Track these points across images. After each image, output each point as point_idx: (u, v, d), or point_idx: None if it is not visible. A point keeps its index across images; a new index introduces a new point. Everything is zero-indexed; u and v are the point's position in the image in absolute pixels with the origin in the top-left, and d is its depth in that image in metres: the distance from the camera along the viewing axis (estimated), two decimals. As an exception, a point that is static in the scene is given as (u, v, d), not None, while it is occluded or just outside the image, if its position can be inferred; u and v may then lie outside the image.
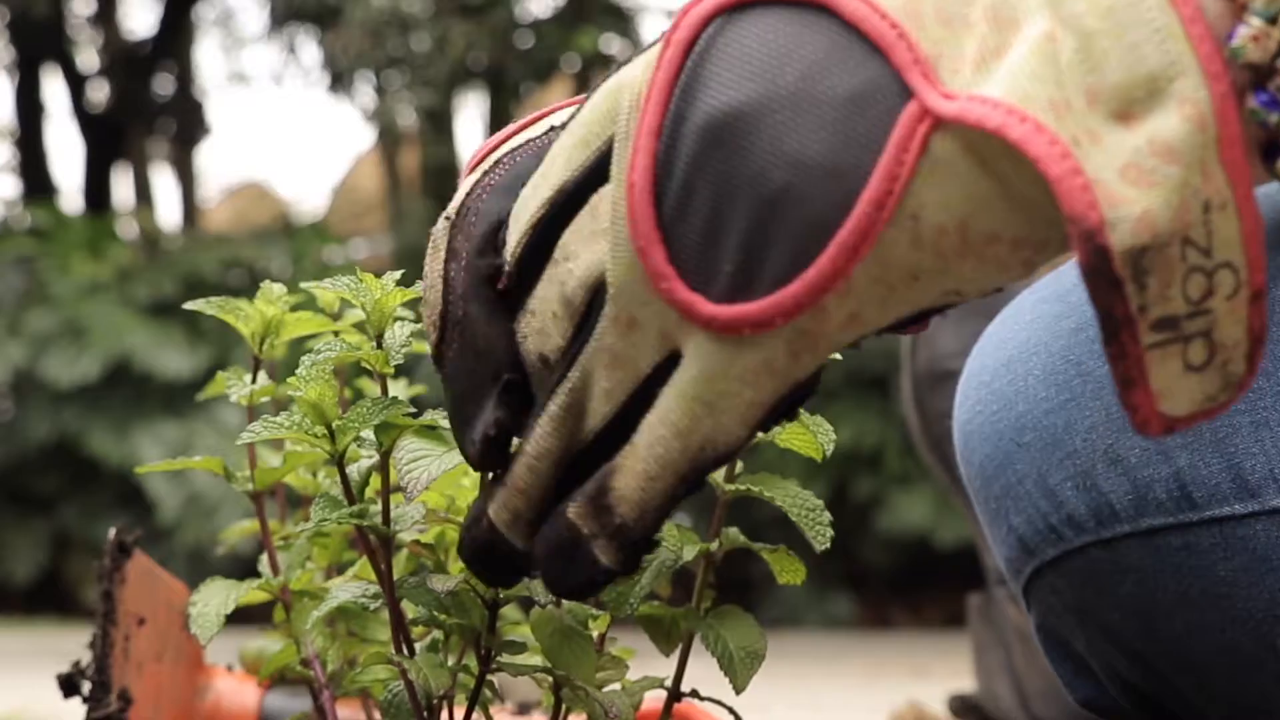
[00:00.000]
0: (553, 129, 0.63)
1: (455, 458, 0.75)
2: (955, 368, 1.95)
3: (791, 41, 0.54)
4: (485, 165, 0.63)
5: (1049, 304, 0.79)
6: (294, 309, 0.93)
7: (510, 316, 0.60)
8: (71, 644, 1.04)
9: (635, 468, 0.58)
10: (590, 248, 0.58)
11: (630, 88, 0.57)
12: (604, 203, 0.57)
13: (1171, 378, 0.52)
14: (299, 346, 0.91)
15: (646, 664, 0.87)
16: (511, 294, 0.60)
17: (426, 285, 0.62)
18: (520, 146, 0.63)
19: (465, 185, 0.63)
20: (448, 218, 0.62)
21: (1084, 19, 0.50)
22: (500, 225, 0.61)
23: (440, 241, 0.62)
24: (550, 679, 0.81)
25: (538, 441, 0.60)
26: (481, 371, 0.60)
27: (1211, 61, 0.50)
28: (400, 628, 0.82)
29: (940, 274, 0.54)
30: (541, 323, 0.59)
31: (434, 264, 0.62)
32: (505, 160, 0.62)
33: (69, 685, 1.03)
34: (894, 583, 6.99)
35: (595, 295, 0.58)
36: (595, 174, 0.58)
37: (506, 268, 0.60)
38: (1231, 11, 0.51)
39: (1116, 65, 0.50)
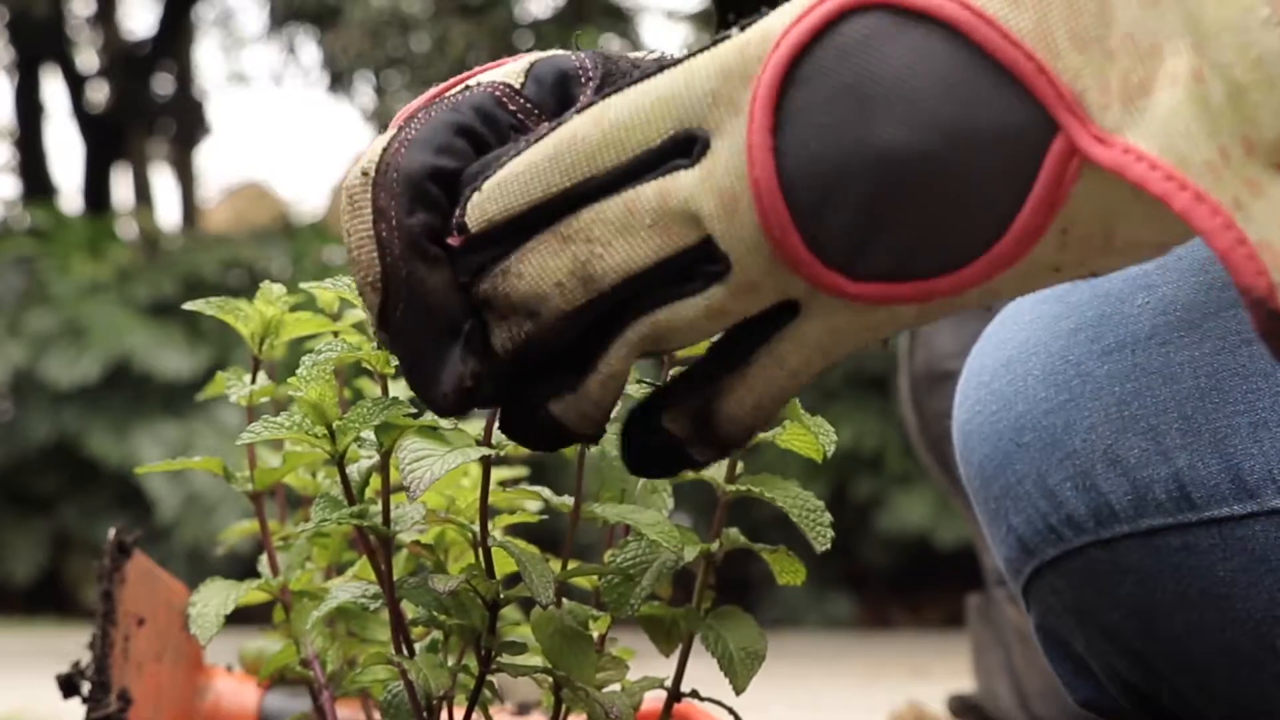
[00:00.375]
0: (467, 87, 0.63)
1: (458, 458, 0.75)
2: (953, 368, 1.95)
3: (919, 59, 0.54)
4: (399, 122, 0.63)
5: (1048, 304, 0.79)
6: (294, 309, 0.93)
7: (452, 267, 0.60)
8: (71, 644, 1.04)
9: (746, 398, 0.60)
10: (629, 242, 0.58)
11: (732, 76, 0.57)
12: (642, 201, 0.58)
13: None
14: (299, 347, 0.91)
15: (646, 664, 0.87)
16: (468, 249, 0.60)
17: (353, 246, 0.61)
18: (434, 102, 0.63)
19: (379, 142, 0.62)
20: (365, 174, 0.62)
21: (1233, 69, 0.50)
22: (426, 180, 0.60)
23: (361, 199, 0.61)
24: (550, 679, 0.81)
25: (612, 364, 0.61)
26: (436, 326, 0.60)
27: None
28: (400, 628, 0.82)
29: (1080, 266, 0.56)
30: (535, 287, 0.59)
31: (357, 223, 0.61)
32: (420, 115, 0.62)
33: (69, 685, 1.03)
34: (894, 583, 6.99)
35: (631, 282, 0.59)
36: (638, 167, 0.58)
37: (472, 227, 0.60)
38: None
39: (1271, 121, 0.50)
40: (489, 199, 0.60)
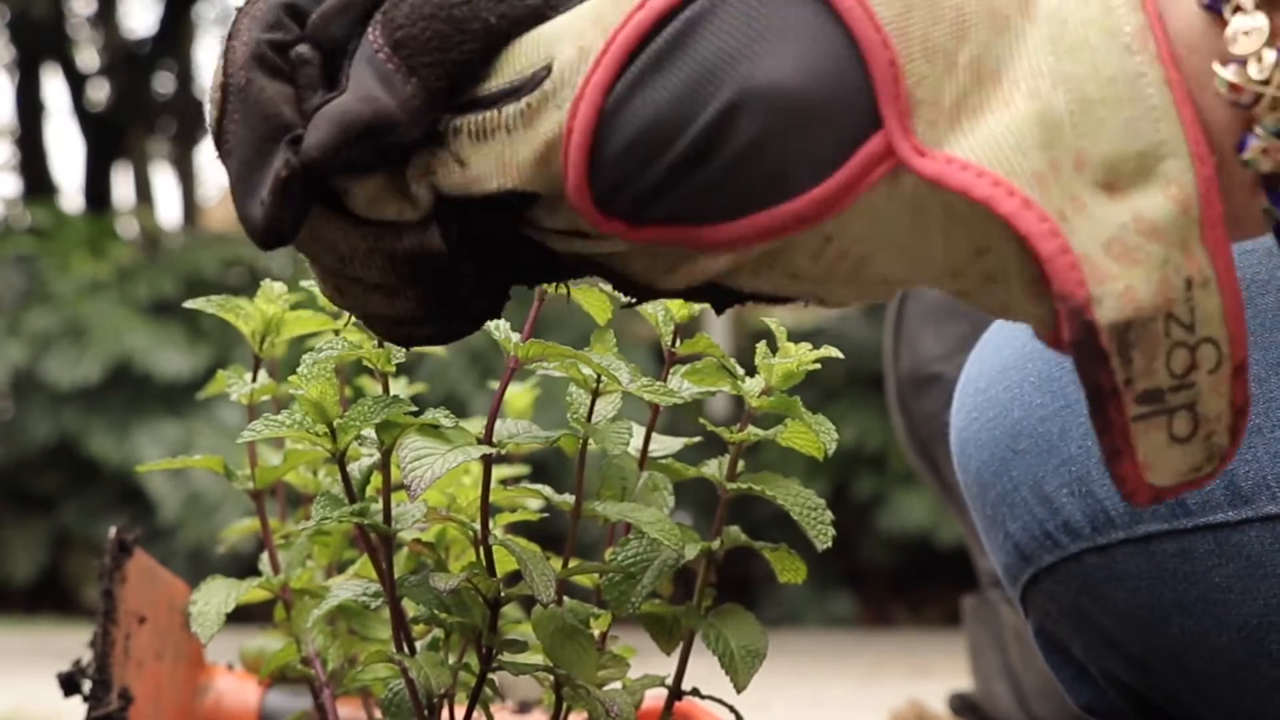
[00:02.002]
0: None
1: (459, 456, 0.75)
2: (938, 370, 1.96)
3: (777, 28, 0.53)
4: None
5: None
6: (294, 307, 0.93)
7: (294, 84, 0.58)
8: (71, 643, 1.05)
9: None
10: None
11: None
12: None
13: (1157, 449, 0.53)
14: (299, 345, 0.91)
15: (647, 662, 0.87)
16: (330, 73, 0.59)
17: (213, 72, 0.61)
18: None
19: None
20: (239, 9, 0.61)
21: (1086, 84, 0.51)
22: (281, 9, 0.59)
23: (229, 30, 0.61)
24: (551, 677, 0.81)
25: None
26: (266, 133, 0.58)
27: (1199, 145, 0.51)
28: (401, 626, 0.82)
29: (815, 284, 0.56)
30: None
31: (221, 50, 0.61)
32: None
33: (70, 684, 1.04)
34: (895, 582, 6.99)
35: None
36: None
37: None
38: (1241, 121, 0.51)
39: (1110, 136, 0.51)
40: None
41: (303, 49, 0.58)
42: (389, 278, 0.60)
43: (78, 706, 1.04)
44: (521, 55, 0.56)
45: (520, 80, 0.56)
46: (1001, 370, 0.79)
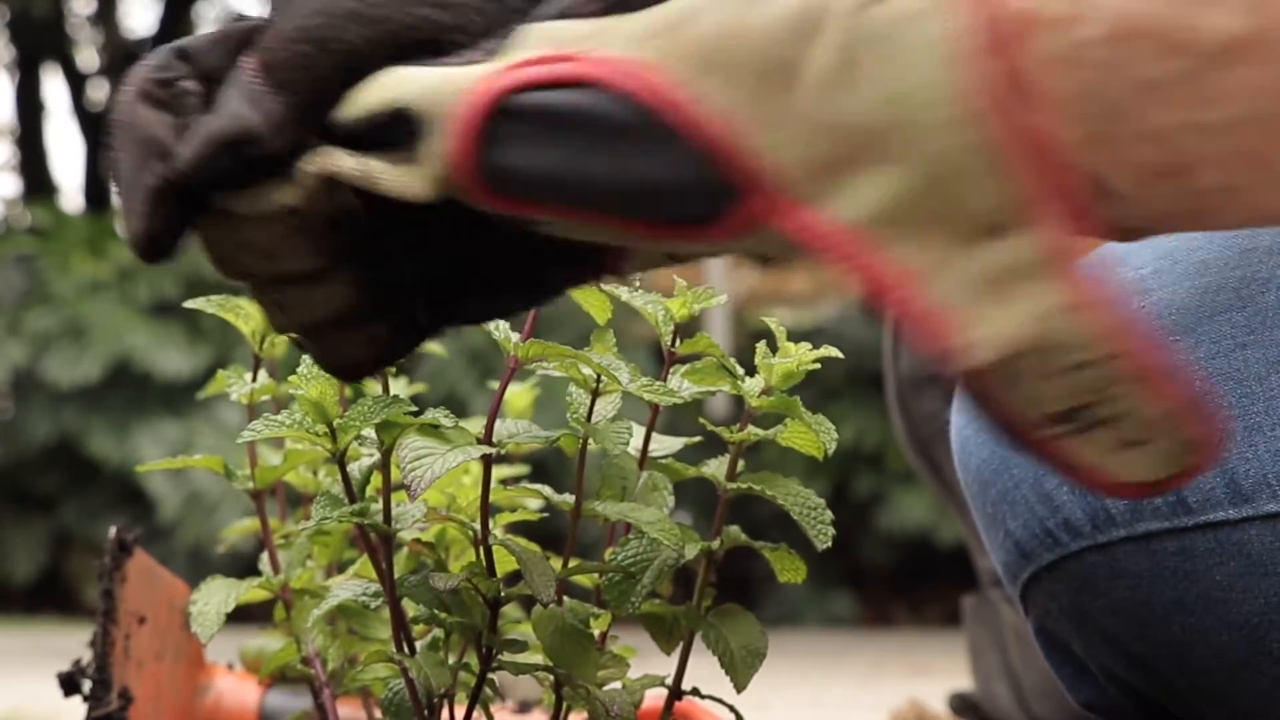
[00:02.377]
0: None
1: (459, 456, 0.75)
2: (938, 371, 1.95)
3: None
4: None
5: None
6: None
7: (173, 112, 0.61)
8: (71, 642, 1.05)
9: None
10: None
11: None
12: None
13: (1106, 455, 0.54)
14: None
15: (647, 662, 0.87)
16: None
17: None
18: None
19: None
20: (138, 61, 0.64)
21: (949, 152, 0.53)
22: (170, 56, 0.62)
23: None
24: (551, 677, 0.81)
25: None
26: (145, 156, 0.61)
27: (1040, 189, 0.52)
28: (401, 626, 0.82)
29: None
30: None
31: None
32: None
33: (70, 684, 1.04)
34: (895, 581, 6.99)
35: None
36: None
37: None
38: None
39: (967, 195, 0.53)
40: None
41: (186, 82, 0.62)
42: (318, 258, 0.62)
43: (78, 706, 1.04)
44: (377, 91, 0.59)
45: (377, 119, 0.59)
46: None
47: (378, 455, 0.79)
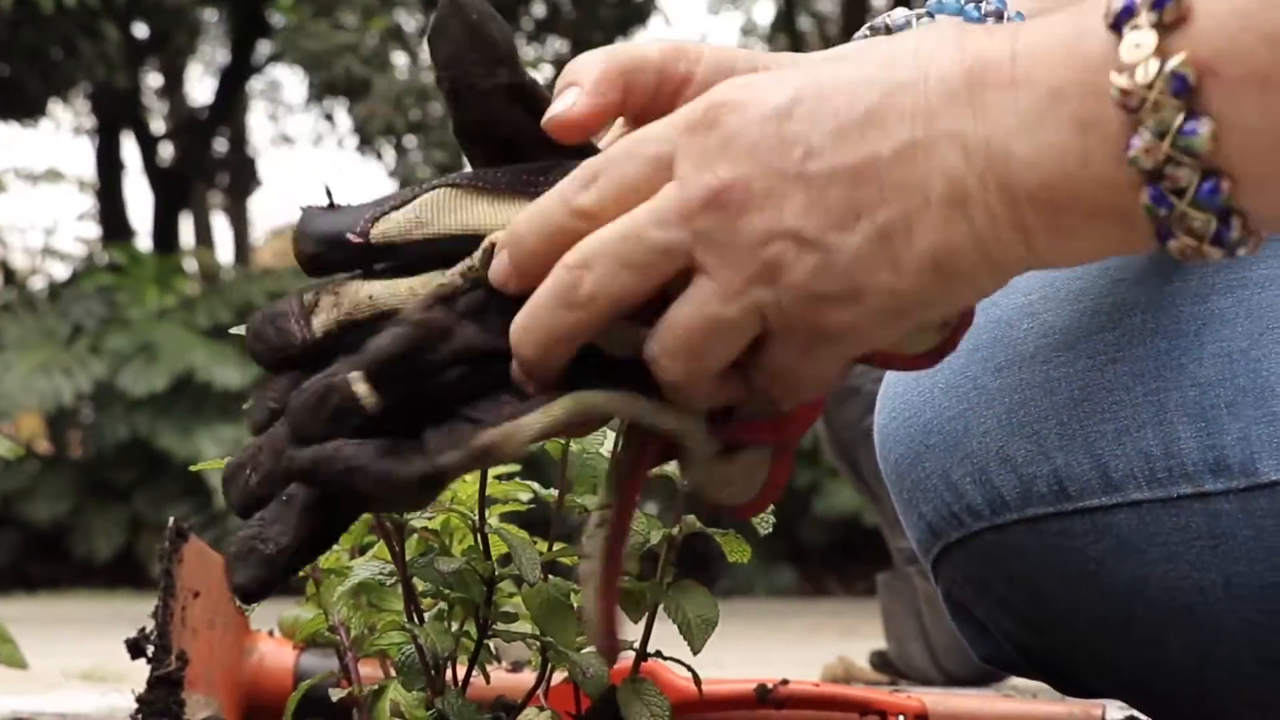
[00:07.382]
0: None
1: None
2: (858, 384, 1.95)
3: None
4: None
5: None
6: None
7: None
8: (144, 611, 1.04)
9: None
10: None
11: None
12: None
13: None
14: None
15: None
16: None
17: None
18: None
19: None
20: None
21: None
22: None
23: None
24: (538, 643, 0.81)
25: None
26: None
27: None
28: (412, 600, 0.81)
29: None
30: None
31: None
32: None
33: (135, 648, 1.03)
34: (828, 557, 6.99)
35: None
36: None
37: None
38: (1130, 124, 0.50)
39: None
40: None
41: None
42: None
43: (144, 667, 1.03)
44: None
45: None
46: (915, 378, 0.79)
47: (392, 456, 0.78)
